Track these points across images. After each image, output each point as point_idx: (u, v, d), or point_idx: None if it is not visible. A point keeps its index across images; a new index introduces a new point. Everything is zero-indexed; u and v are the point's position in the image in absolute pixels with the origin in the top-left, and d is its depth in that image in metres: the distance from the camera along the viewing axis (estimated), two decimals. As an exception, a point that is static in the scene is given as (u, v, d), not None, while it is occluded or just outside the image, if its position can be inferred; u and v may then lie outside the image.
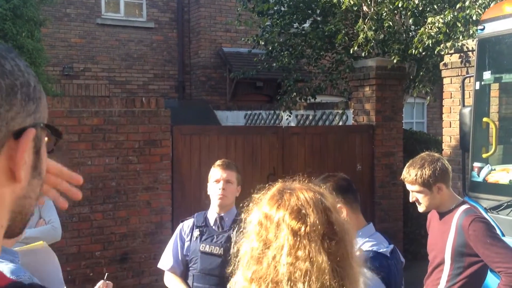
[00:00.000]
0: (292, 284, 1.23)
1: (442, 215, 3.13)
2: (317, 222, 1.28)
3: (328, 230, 1.29)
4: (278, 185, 1.39)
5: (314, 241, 1.26)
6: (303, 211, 1.30)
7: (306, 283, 1.23)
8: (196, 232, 3.31)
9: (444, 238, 3.07)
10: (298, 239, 1.26)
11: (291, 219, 1.28)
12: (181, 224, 3.45)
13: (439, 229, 3.15)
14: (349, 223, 1.39)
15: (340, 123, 8.84)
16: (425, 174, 2.96)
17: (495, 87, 5.45)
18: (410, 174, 3.01)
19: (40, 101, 0.87)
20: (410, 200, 3.11)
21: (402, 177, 3.08)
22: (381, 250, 2.29)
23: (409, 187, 3.07)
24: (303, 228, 1.27)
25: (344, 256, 1.29)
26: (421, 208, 3.10)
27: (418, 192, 3.03)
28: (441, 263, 3.10)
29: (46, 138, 0.91)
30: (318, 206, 1.31)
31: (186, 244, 3.34)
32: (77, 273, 5.77)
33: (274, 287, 1.25)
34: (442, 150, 6.59)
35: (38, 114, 0.86)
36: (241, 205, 1.44)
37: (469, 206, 3.11)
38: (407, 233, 7.95)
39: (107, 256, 5.93)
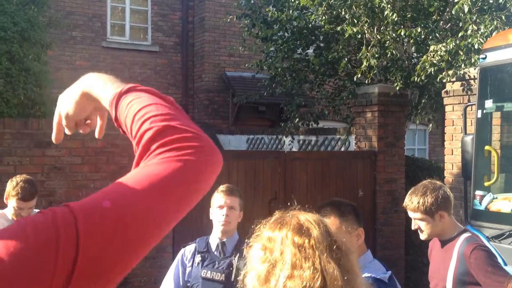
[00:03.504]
0: None
1: (443, 243, 3.13)
2: (320, 236, 1.31)
3: (331, 244, 1.32)
4: (277, 214, 1.42)
5: (321, 251, 1.28)
6: (305, 227, 1.33)
7: None
8: (198, 258, 3.30)
9: (445, 266, 3.06)
10: (304, 250, 1.28)
11: (294, 235, 1.31)
12: (182, 250, 3.43)
13: (440, 257, 3.14)
14: (350, 245, 1.40)
15: (342, 149, 8.86)
16: (427, 202, 2.97)
17: (497, 115, 5.47)
18: (413, 202, 3.01)
19: None
20: (412, 228, 3.11)
21: (404, 204, 3.09)
22: (379, 277, 2.31)
23: (411, 214, 3.07)
24: (307, 241, 1.29)
25: (352, 269, 1.31)
26: (423, 236, 3.10)
27: (420, 219, 3.03)
28: (443, 291, 3.10)
29: None
30: (319, 224, 1.35)
31: (188, 269, 3.33)
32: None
33: None
34: (444, 177, 6.59)
35: None
36: (245, 240, 1.47)
37: (470, 234, 3.11)
38: (409, 260, 7.90)
39: (107, 279, 5.89)
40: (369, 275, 2.31)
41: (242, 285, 1.34)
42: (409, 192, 3.09)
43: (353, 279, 1.31)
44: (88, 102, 1.15)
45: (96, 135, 1.24)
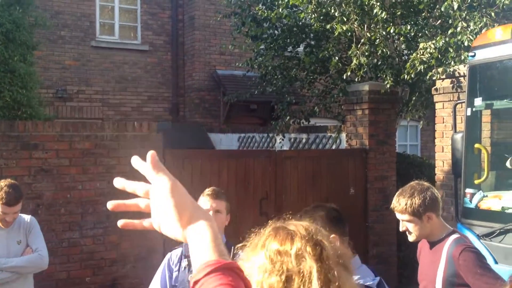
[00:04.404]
0: None
1: (432, 244, 3.10)
2: (329, 247, 1.31)
3: (340, 257, 1.33)
4: (272, 225, 1.37)
5: (336, 263, 1.28)
6: (317, 238, 1.31)
7: None
8: (185, 262, 3.25)
9: (434, 268, 3.04)
10: (325, 263, 1.27)
11: (310, 247, 1.28)
12: (169, 254, 3.37)
13: (429, 259, 3.12)
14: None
15: (333, 147, 8.84)
16: (415, 203, 2.94)
17: (486, 113, 5.47)
18: (400, 203, 2.98)
19: None
20: (400, 229, 3.08)
21: (392, 206, 3.06)
22: (368, 283, 2.27)
23: (399, 216, 3.04)
24: (324, 253, 1.28)
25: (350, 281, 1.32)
26: (411, 238, 3.07)
27: (408, 221, 3.01)
28: (432, 293, 3.07)
29: None
30: (323, 234, 1.34)
31: (175, 274, 3.27)
32: (66, 299, 5.68)
33: None
34: (435, 174, 6.58)
35: None
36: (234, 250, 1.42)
37: (459, 235, 3.08)
38: (401, 257, 7.89)
39: (97, 281, 5.85)
40: (357, 282, 2.27)
41: None
42: (396, 194, 3.06)
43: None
44: (184, 212, 1.10)
45: (120, 223, 1.17)
